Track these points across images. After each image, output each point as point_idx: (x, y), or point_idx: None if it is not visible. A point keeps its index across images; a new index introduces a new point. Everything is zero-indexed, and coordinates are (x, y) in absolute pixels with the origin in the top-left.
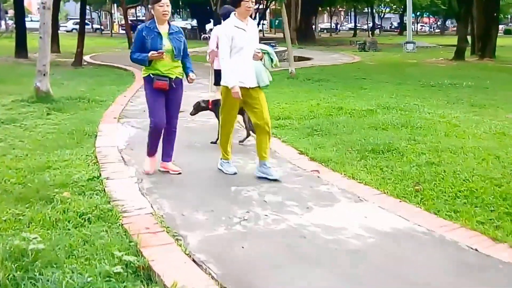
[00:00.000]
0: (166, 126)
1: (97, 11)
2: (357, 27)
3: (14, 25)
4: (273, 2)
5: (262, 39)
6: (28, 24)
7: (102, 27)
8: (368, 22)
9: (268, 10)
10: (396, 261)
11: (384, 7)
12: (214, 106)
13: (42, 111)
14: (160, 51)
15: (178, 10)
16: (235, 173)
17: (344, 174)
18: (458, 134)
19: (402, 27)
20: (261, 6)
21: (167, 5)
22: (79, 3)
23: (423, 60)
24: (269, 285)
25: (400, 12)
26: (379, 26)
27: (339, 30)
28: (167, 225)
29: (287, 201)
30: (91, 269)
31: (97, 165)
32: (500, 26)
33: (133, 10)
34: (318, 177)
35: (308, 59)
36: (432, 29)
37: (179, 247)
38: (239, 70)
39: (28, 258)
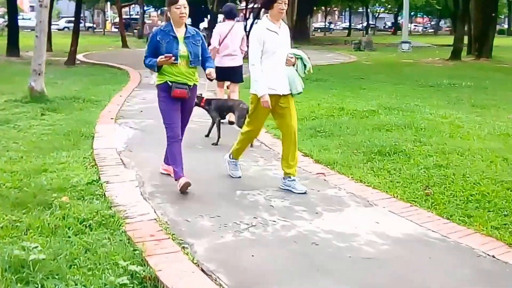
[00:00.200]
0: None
1: (89, 10)
2: (352, 27)
3: (6, 23)
4: None
5: None
6: (20, 23)
7: (95, 26)
8: (363, 21)
9: (263, 10)
10: (412, 269)
11: (379, 7)
12: (206, 105)
13: (36, 111)
14: (167, 54)
15: None
16: (239, 177)
17: (352, 177)
18: (463, 136)
19: (396, 27)
20: (256, 5)
21: (185, 7)
22: (71, 1)
23: (420, 60)
24: None
25: (395, 12)
26: (373, 26)
27: (333, 30)
28: (172, 232)
29: (295, 206)
30: (95, 280)
31: (95, 168)
32: None
33: (126, 9)
34: (325, 180)
35: None
36: (425, 29)
37: (186, 255)
38: (270, 77)
39: (29, 269)
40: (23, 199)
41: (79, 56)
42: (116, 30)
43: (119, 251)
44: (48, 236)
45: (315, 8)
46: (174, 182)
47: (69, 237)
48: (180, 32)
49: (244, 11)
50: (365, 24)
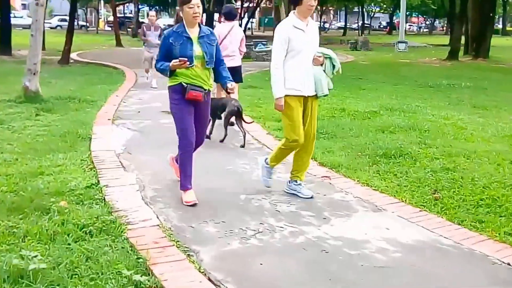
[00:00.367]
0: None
1: (83, 8)
2: (347, 26)
3: None
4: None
5: (252, 37)
6: (11, 21)
7: (88, 24)
8: (358, 21)
9: (258, 9)
10: (426, 278)
11: (374, 7)
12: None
13: (31, 111)
14: (182, 59)
15: (166, 7)
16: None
17: (358, 181)
18: (467, 137)
19: (391, 26)
20: (251, 4)
21: (198, 6)
22: (64, 0)
23: (417, 60)
24: None
25: (390, 12)
26: (368, 25)
27: (328, 29)
28: (176, 238)
29: (302, 211)
30: None
31: (94, 171)
32: None
33: (120, 7)
34: (330, 183)
35: None
36: (420, 29)
37: (192, 264)
38: (295, 76)
39: (29, 279)
40: (19, 204)
41: (73, 55)
42: (109, 28)
43: (122, 260)
44: (47, 243)
45: None
46: (176, 186)
47: (69, 244)
48: (193, 33)
49: (239, 10)
50: (360, 23)
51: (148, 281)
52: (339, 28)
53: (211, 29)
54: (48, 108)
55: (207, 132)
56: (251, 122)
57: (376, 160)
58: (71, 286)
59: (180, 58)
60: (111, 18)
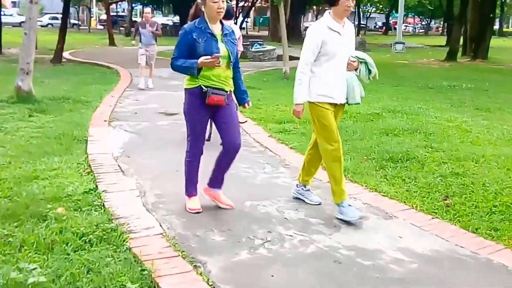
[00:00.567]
0: (228, 146)
1: (75, 6)
2: None
3: None
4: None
5: (247, 37)
6: (1, 19)
7: (80, 23)
8: (354, 21)
9: (253, 8)
10: None
11: (370, 7)
12: None
13: (24, 112)
14: (216, 55)
15: (159, 6)
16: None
17: (365, 186)
18: (473, 141)
19: (387, 27)
20: (246, 4)
21: (223, 1)
22: None
23: (415, 61)
24: None
25: (386, 12)
26: (364, 26)
27: None
28: (181, 248)
29: (311, 218)
30: None
31: (91, 175)
32: None
33: (113, 5)
34: None
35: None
36: (416, 30)
37: (200, 276)
38: (328, 82)
39: None
40: (14, 210)
41: (65, 54)
42: (102, 27)
43: (126, 272)
44: (45, 254)
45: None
46: (178, 191)
47: (68, 254)
48: (216, 29)
49: (234, 10)
50: (356, 23)
51: None
52: None
53: (230, 26)
54: (42, 108)
55: (206, 135)
56: (244, 122)
57: (383, 164)
58: None
59: (214, 55)
60: (103, 17)
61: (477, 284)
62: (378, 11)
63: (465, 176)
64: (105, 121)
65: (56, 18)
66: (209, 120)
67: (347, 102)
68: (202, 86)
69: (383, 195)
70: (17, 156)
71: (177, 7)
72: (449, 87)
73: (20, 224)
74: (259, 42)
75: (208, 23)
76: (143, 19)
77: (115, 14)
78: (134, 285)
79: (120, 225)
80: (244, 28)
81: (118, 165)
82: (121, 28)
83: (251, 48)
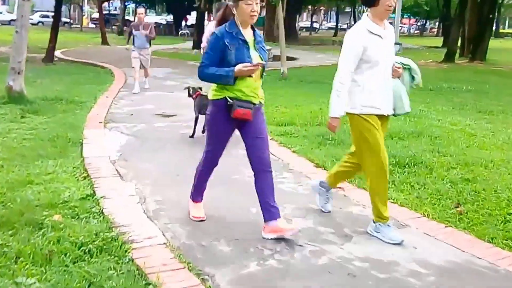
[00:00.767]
0: (258, 167)
1: (66, 4)
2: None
3: None
4: None
5: None
6: None
7: (71, 21)
8: (350, 21)
9: None
10: None
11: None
12: (195, 99)
13: (16, 113)
14: (259, 62)
15: (153, 5)
16: (402, 242)
17: None
18: (480, 145)
19: None
20: None
21: (257, 3)
22: None
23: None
24: None
25: None
26: None
27: (319, 29)
28: (187, 259)
29: (320, 227)
30: None
31: (88, 180)
32: None
33: (105, 4)
34: (345, 195)
35: (294, 59)
36: (411, 30)
37: None
38: (374, 92)
39: None
40: (8, 218)
41: (57, 53)
42: (94, 26)
43: (129, 285)
44: (42, 266)
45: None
46: (179, 198)
47: (67, 266)
48: (248, 35)
49: None
50: (352, 24)
51: None
52: (330, 28)
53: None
54: (34, 109)
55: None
56: None
57: (390, 169)
58: None
59: (256, 63)
60: (95, 15)
61: None
62: None
63: (475, 182)
64: (100, 122)
65: (47, 16)
66: (196, 120)
67: (393, 113)
68: (227, 98)
69: (392, 202)
70: (9, 159)
71: (170, 6)
72: (449, 89)
73: (15, 232)
74: None
75: (239, 28)
76: (136, 20)
77: (107, 12)
78: None
79: (121, 234)
80: None
81: (116, 169)
82: (113, 27)
83: None
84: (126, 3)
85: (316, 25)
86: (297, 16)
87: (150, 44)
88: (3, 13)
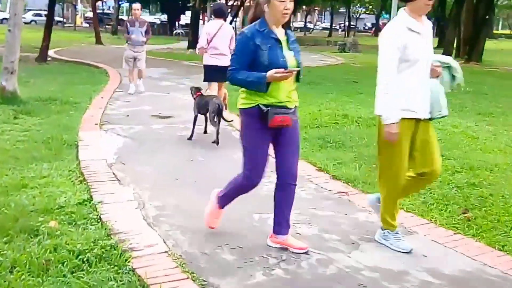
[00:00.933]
0: (284, 178)
1: (60, 3)
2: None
3: None
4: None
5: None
6: None
7: (65, 20)
8: (345, 22)
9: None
10: None
11: (360, 8)
12: (196, 99)
13: (8, 114)
14: (292, 69)
15: (147, 4)
16: (411, 250)
17: None
18: (483, 148)
19: (376, 28)
20: (235, 3)
21: (290, 0)
22: None
23: None
24: None
25: (376, 13)
26: (353, 27)
27: (313, 30)
28: (190, 269)
29: (325, 234)
30: None
31: (85, 184)
32: None
33: (99, 3)
34: (349, 200)
35: None
36: None
37: None
38: (410, 94)
39: None
40: (3, 224)
41: (50, 53)
42: (87, 25)
43: None
44: (39, 276)
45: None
46: (179, 203)
47: (65, 276)
48: (280, 34)
49: None
50: (346, 24)
51: None
52: (324, 28)
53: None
54: (28, 110)
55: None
56: (230, 121)
57: None
58: None
59: (290, 69)
60: (88, 14)
61: None
62: (367, 12)
63: (481, 187)
64: (96, 124)
65: (40, 15)
66: (194, 120)
67: (430, 117)
68: (260, 105)
69: (398, 208)
70: (3, 162)
71: (164, 6)
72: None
73: (10, 240)
74: None
75: (272, 27)
76: (132, 16)
77: (101, 11)
78: None
79: (120, 241)
80: (233, 28)
81: (113, 173)
82: (106, 26)
83: None
84: (120, 2)
85: (310, 26)
86: (292, 16)
87: (145, 42)
88: None
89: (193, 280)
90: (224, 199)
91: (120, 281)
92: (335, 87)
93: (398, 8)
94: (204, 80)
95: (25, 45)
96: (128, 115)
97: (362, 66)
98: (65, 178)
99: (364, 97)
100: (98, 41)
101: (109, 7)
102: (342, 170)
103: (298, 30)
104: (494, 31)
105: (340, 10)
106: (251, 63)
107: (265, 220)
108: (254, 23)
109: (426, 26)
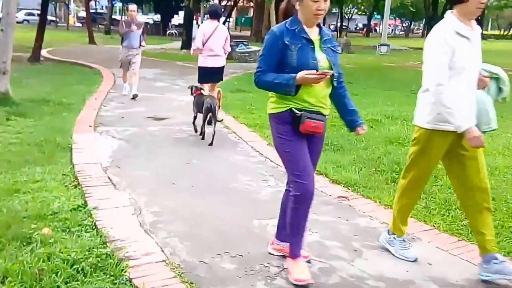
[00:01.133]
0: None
1: (52, 2)
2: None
3: None
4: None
5: (230, 37)
6: None
7: (57, 20)
8: (337, 22)
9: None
10: None
11: (352, 8)
12: (195, 98)
13: (0, 115)
14: (326, 71)
15: (140, 4)
16: (416, 259)
17: (379, 203)
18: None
19: (368, 28)
20: (228, 3)
21: (325, 0)
22: None
23: (402, 64)
24: None
25: (368, 14)
26: (345, 27)
27: None
28: (189, 279)
29: (327, 241)
30: None
31: (79, 188)
32: None
33: (92, 2)
34: (350, 206)
35: None
36: (396, 31)
37: None
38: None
39: None
40: None
41: (43, 52)
42: (80, 25)
43: None
44: (32, 286)
45: None
46: (177, 208)
47: (59, 286)
48: (313, 34)
49: None
50: (338, 25)
51: None
52: None
53: (329, 30)
54: (20, 112)
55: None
56: (220, 121)
57: (394, 177)
58: None
59: (323, 71)
60: (81, 14)
61: None
62: (359, 13)
63: None
64: (90, 126)
65: (32, 14)
66: (194, 119)
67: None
68: (293, 109)
69: None
70: None
71: (158, 6)
72: None
73: (2, 248)
74: (244, 43)
75: (303, 25)
76: (128, 17)
77: (94, 11)
78: None
79: (116, 249)
80: (226, 28)
81: (108, 177)
82: (100, 26)
83: (236, 49)
84: (113, 2)
85: None
86: None
87: (140, 44)
88: None
89: None
90: (294, 242)
91: None
92: None
93: (382, 9)
94: (199, 82)
95: (17, 45)
96: (123, 117)
97: (356, 67)
98: (59, 182)
99: (360, 98)
100: (91, 41)
101: (102, 6)
102: (341, 174)
103: None
104: (484, 32)
105: (332, 11)
106: (279, 64)
107: (265, 227)
108: (285, 21)
109: (476, 31)
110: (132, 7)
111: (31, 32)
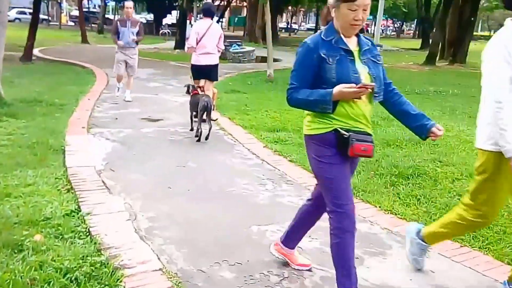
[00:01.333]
0: (317, 203)
1: (44, 1)
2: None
3: None
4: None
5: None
6: None
7: (50, 18)
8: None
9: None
10: None
11: None
12: (191, 98)
13: None
14: (367, 84)
15: (135, 3)
16: (419, 269)
17: (379, 207)
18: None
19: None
20: (222, 3)
21: (364, 10)
22: None
23: (395, 64)
24: None
25: None
26: None
27: (298, 30)
28: None
29: (327, 248)
30: None
31: (72, 193)
32: None
33: (85, 1)
34: None
35: (277, 60)
36: (387, 32)
37: None
38: None
39: None
40: None
41: (35, 52)
42: (73, 24)
43: None
44: None
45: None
46: (173, 213)
47: None
48: (352, 44)
49: None
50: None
51: None
52: (308, 29)
53: (370, 39)
54: (12, 112)
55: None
56: (215, 120)
57: (393, 181)
58: None
59: (364, 84)
60: (74, 13)
61: None
62: None
63: None
64: (83, 127)
65: (24, 13)
66: (191, 117)
67: None
68: (339, 129)
69: (400, 218)
70: None
71: (151, 5)
72: (436, 92)
73: None
74: (237, 43)
75: (341, 34)
76: (124, 15)
77: (86, 10)
78: None
79: (111, 257)
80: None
81: (102, 181)
82: (92, 25)
83: (230, 49)
84: (106, 1)
85: (295, 26)
86: (278, 17)
87: (137, 43)
88: None
89: None
90: (346, 278)
91: None
92: None
93: (374, 9)
94: (192, 78)
95: (9, 44)
96: (116, 118)
97: None
98: (51, 186)
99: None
100: (84, 40)
101: (95, 5)
102: None
103: (283, 30)
104: (474, 33)
105: None
106: (315, 80)
107: (264, 233)
108: (319, 31)
109: None
110: (129, 3)
111: (23, 30)
